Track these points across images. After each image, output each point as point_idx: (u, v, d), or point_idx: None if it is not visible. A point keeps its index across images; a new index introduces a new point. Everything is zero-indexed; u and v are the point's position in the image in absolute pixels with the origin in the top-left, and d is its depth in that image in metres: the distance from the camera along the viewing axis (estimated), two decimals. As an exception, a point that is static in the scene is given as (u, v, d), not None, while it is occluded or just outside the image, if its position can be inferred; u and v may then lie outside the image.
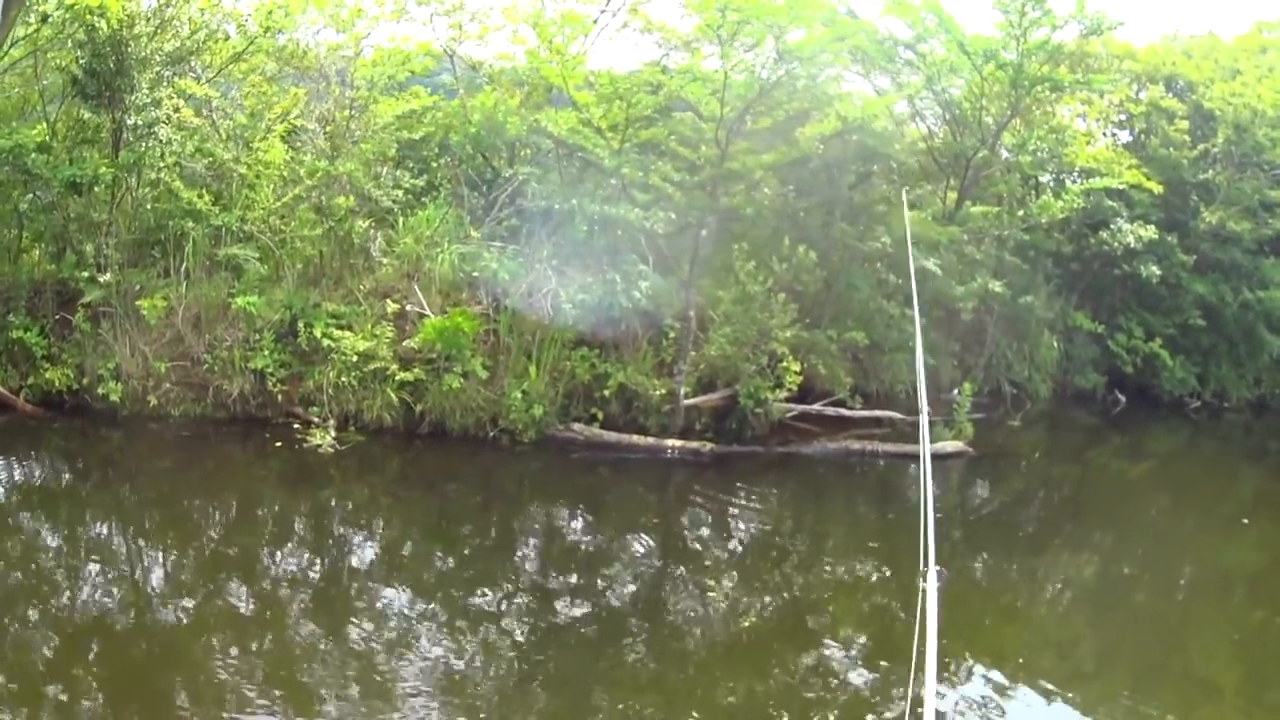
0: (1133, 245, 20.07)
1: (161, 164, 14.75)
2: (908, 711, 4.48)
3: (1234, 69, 22.05)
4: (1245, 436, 23.11)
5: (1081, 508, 16.27)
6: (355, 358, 14.33)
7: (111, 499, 12.59)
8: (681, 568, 11.83)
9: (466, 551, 11.87)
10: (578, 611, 10.24)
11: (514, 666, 8.76)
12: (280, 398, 14.59)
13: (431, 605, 9.91)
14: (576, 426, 14.99)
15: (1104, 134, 22.28)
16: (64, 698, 7.52)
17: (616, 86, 14.10)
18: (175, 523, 11.73)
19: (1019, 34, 16.89)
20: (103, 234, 14.83)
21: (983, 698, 8.64)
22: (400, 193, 15.83)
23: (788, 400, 15.92)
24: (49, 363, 14.33)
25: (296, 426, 14.32)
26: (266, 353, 14.46)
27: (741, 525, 13.61)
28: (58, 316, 14.68)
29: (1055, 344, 21.26)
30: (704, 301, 15.58)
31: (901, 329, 17.36)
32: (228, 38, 16.10)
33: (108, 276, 14.33)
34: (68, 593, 9.51)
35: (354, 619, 9.30)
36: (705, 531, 13.30)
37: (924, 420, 6.38)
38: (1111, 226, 20.45)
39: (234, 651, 8.44)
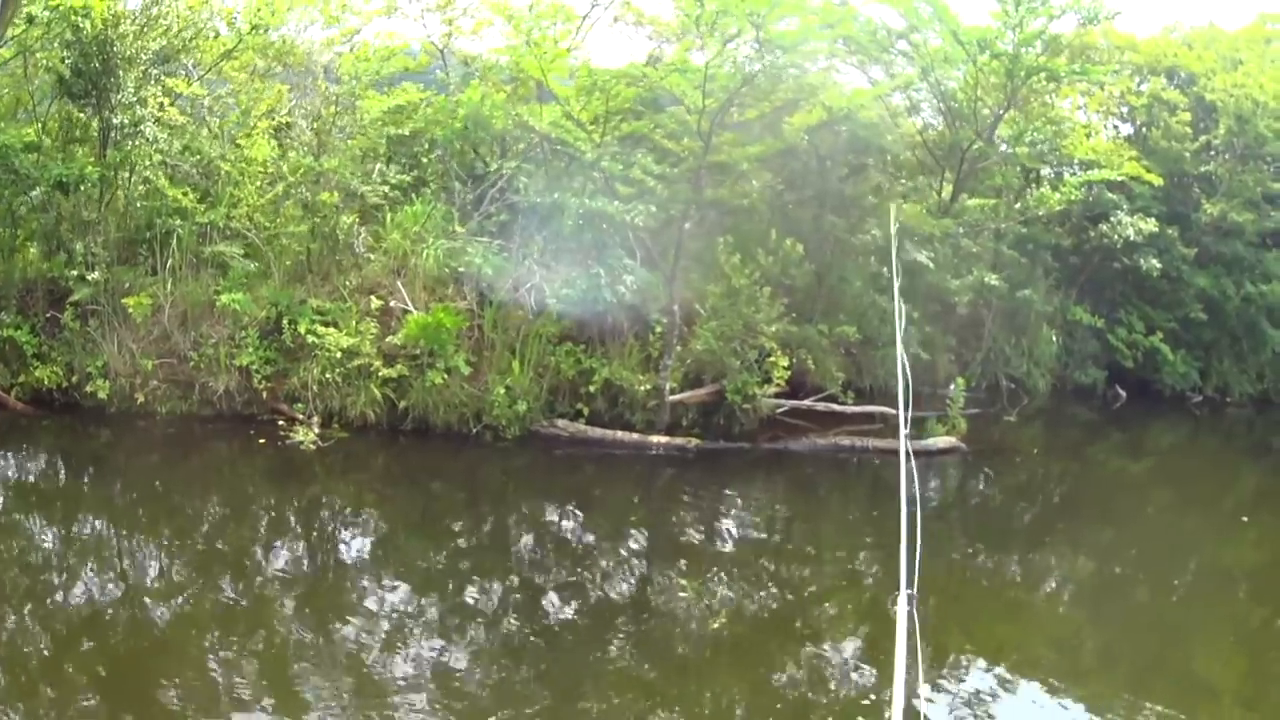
0: (1133, 238, 19.49)
1: (148, 162, 14.51)
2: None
3: (1235, 59, 21.45)
4: (1248, 432, 22.50)
5: (1078, 504, 15.76)
6: (339, 354, 14.05)
7: (100, 497, 12.37)
8: (664, 566, 11.51)
9: (451, 549, 11.61)
10: (562, 609, 9.97)
11: (500, 663, 8.57)
12: (265, 394, 14.36)
13: (417, 602, 9.70)
14: (560, 423, 14.61)
15: (1105, 126, 21.73)
16: (54, 693, 7.39)
17: (594, 79, 13.71)
18: (163, 520, 11.52)
19: (1015, 24, 16.39)
20: (92, 233, 14.61)
21: (980, 694, 8.48)
22: (387, 188, 15.49)
23: (778, 396, 15.49)
24: (39, 361, 14.17)
25: (281, 423, 14.04)
26: (251, 350, 14.24)
27: (726, 523, 13.21)
28: (49, 315, 14.55)
29: (1054, 338, 20.68)
30: (692, 296, 15.18)
31: (895, 323, 16.87)
32: (217, 35, 15.86)
33: (96, 275, 14.15)
34: (58, 588, 9.37)
35: (340, 616, 9.11)
36: (689, 530, 12.88)
37: (904, 442, 5.55)
38: (1111, 219, 19.87)
39: (222, 647, 8.30)
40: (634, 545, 12.18)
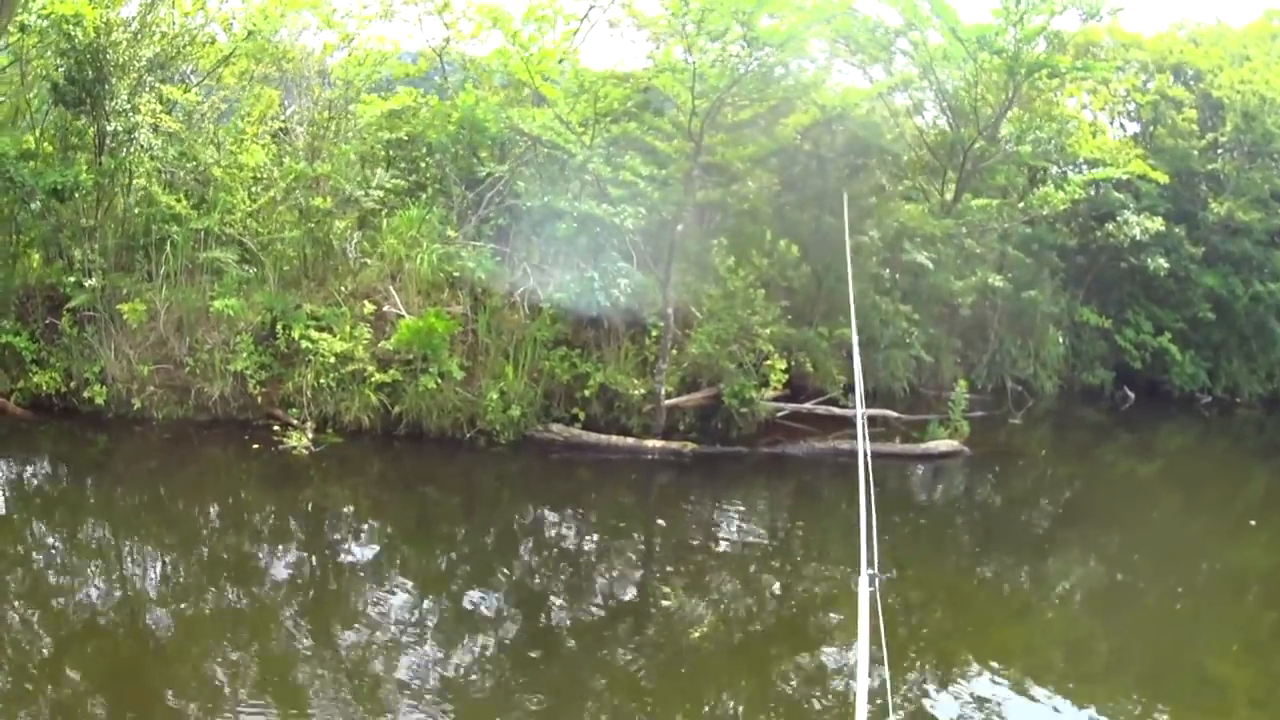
0: (1139, 237, 18.96)
1: (141, 169, 14.26)
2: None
3: (1243, 56, 20.85)
4: (1257, 433, 21.85)
5: (1084, 507, 15.29)
6: (333, 359, 13.73)
7: (97, 502, 12.18)
8: (659, 571, 11.26)
9: (447, 554, 11.35)
10: (558, 615, 9.75)
11: (496, 669, 8.39)
12: (260, 400, 14.04)
13: (413, 608, 9.49)
14: (555, 427, 14.22)
15: (1112, 125, 21.19)
16: (54, 696, 7.29)
17: (581, 80, 13.32)
18: (159, 526, 11.39)
19: (1016, 20, 15.91)
20: (90, 239, 14.40)
21: (988, 698, 8.27)
22: (381, 193, 15.16)
23: (778, 399, 15.09)
24: (38, 367, 13.96)
25: (276, 428, 13.72)
26: (246, 355, 13.94)
27: (720, 528, 12.84)
28: (48, 321, 14.36)
29: (1061, 340, 20.16)
30: (688, 299, 14.77)
31: (897, 325, 16.44)
32: (213, 41, 15.57)
33: (93, 281, 13.93)
34: (58, 592, 9.24)
35: (336, 621, 8.97)
36: (683, 535, 12.52)
37: (861, 417, 6.59)
38: (1118, 218, 19.33)
39: (220, 652, 8.19)
40: (629, 551, 11.87)
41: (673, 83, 13.30)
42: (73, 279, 14.02)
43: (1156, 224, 19.03)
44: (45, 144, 14.91)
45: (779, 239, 14.89)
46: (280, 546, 11.18)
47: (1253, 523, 14.97)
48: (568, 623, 9.55)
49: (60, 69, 14.05)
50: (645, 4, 17.67)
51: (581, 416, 14.41)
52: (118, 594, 9.38)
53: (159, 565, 10.28)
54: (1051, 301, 19.60)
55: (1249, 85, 20.33)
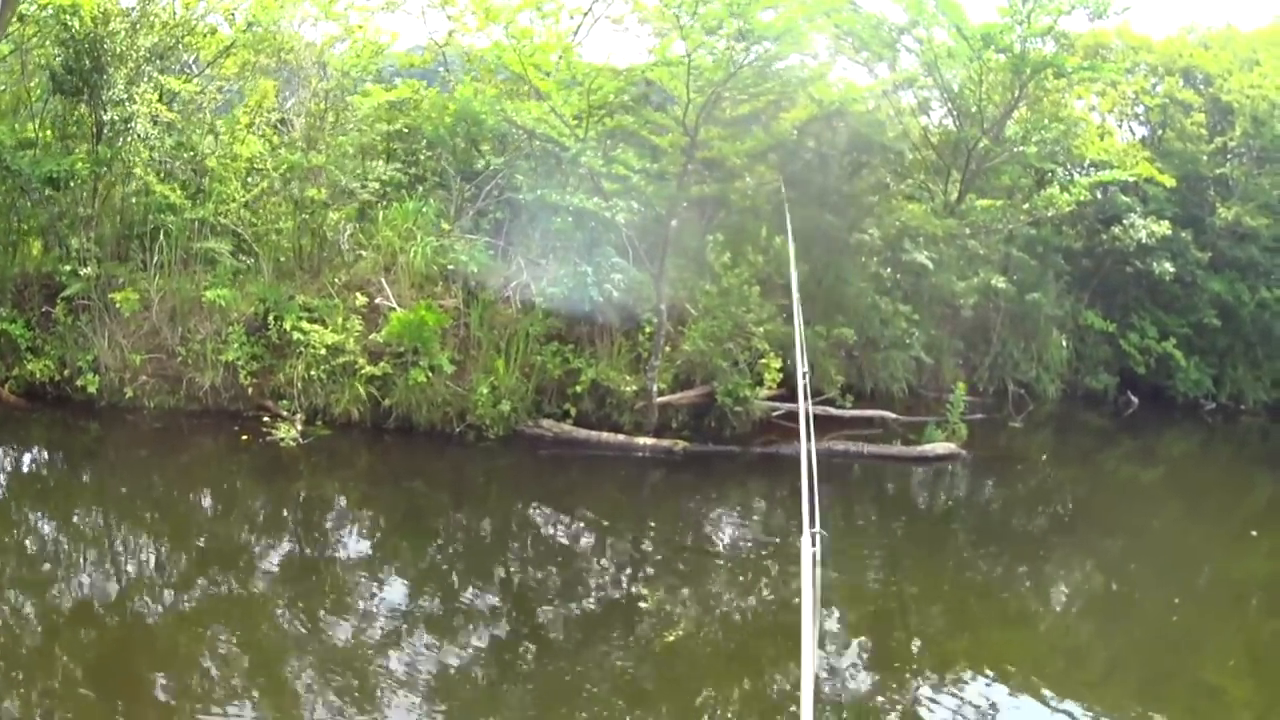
0: (1145, 241, 18.39)
1: (137, 159, 13.96)
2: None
3: (1253, 60, 20.23)
4: (1262, 441, 21.12)
5: (1083, 513, 14.74)
6: (324, 351, 13.39)
7: (87, 491, 11.97)
8: (648, 570, 10.96)
9: (435, 549, 11.03)
10: (546, 611, 9.48)
11: (483, 663, 8.16)
12: (251, 390, 13.72)
13: (399, 602, 9.22)
14: (545, 423, 13.78)
15: (1120, 128, 20.61)
16: (43, 682, 7.19)
17: (574, 72, 12.90)
18: (150, 515, 11.18)
19: (1022, 19, 15.41)
20: (87, 228, 14.15)
21: (985, 702, 8.04)
22: (377, 184, 14.79)
23: (774, 398, 14.61)
24: (33, 354, 13.73)
25: (266, 420, 13.39)
26: (237, 345, 13.63)
27: (711, 528, 12.43)
28: (44, 309, 14.08)
29: (1065, 343, 19.59)
30: (683, 296, 14.34)
31: (896, 325, 15.96)
32: (214, 31, 15.27)
33: (89, 270, 13.66)
34: (46, 579, 9.05)
35: (323, 613, 8.77)
36: (674, 534, 12.15)
37: (802, 381, 6.45)
38: (1124, 222, 18.76)
39: (207, 641, 8.04)
40: (618, 549, 11.51)
41: (668, 76, 12.87)
42: (69, 267, 13.77)
43: (1163, 228, 18.47)
44: (45, 133, 14.64)
45: (775, 235, 14.40)
46: (269, 538, 10.90)
47: (1254, 533, 14.47)
48: (556, 619, 9.30)
49: (58, 58, 13.77)
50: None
51: (573, 412, 13.97)
52: (106, 583, 9.18)
53: (148, 554, 10.09)
54: (1055, 304, 19.05)
55: (1259, 90, 19.74)
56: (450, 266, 14.13)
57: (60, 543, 10.24)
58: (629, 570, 10.94)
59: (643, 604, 9.85)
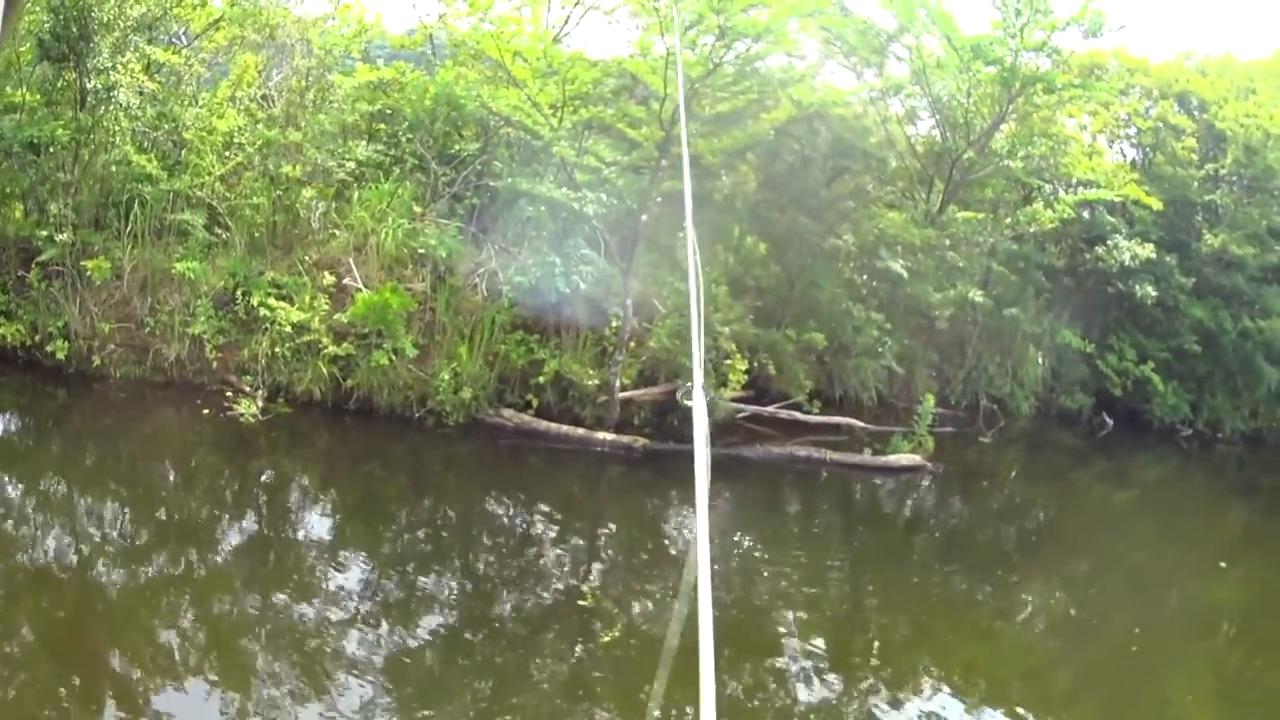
0: (1129, 263, 17.98)
1: (116, 127, 13.71)
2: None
3: (1249, 89, 19.78)
4: (1237, 470, 20.63)
5: (1049, 532, 14.47)
6: (289, 329, 13.11)
7: (50, 458, 11.71)
8: (599, 565, 10.79)
9: (390, 533, 10.81)
10: (498, 600, 9.38)
11: (434, 648, 8.10)
12: (216, 364, 13.44)
13: (354, 583, 9.10)
14: (506, 412, 13.47)
15: (1110, 148, 20.21)
16: (3, 647, 7.16)
17: (550, 61, 12.61)
18: (110, 485, 11.05)
19: (1015, 33, 15.09)
20: (66, 194, 13.86)
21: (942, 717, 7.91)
22: (353, 164, 14.52)
23: (743, 400, 14.34)
24: (5, 318, 13.41)
25: (229, 394, 13.15)
26: (204, 319, 13.34)
27: (665, 527, 12.16)
28: (19, 274, 13.77)
29: (1041, 361, 19.17)
30: (655, 292, 14.04)
31: (868, 333, 15.64)
32: (204, 3, 15.04)
33: (64, 236, 13.37)
34: (9, 544, 8.95)
35: (276, 591, 8.65)
36: (628, 531, 11.88)
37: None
38: (1108, 242, 18.37)
39: (162, 614, 7.99)
40: (571, 542, 11.31)
41: (646, 69, 12.58)
42: (45, 233, 13.45)
43: (1147, 251, 18.08)
44: (31, 98, 14.37)
45: (747, 236, 14.09)
46: (225, 514, 10.68)
47: (1223, 564, 14.03)
48: (508, 609, 9.17)
49: (47, 24, 13.48)
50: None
51: (535, 403, 13.67)
52: (63, 551, 9.05)
53: (106, 524, 9.94)
54: (1034, 321, 18.64)
55: (1253, 119, 19.32)
56: (420, 250, 13.85)
57: (20, 509, 10.06)
58: (582, 564, 10.68)
59: (594, 598, 9.63)
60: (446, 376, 13.08)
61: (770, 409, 14.66)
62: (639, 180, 13.38)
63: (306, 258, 13.91)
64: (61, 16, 13.25)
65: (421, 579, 9.56)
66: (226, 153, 14.17)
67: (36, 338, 13.48)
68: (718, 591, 10.28)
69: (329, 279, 13.52)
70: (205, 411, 12.86)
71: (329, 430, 13.27)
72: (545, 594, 9.63)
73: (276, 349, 13.17)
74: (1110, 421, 19.81)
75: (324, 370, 13.16)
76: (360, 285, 13.37)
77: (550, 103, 12.86)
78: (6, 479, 10.86)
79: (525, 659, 8.12)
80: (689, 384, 4.41)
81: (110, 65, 13.50)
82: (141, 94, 14.07)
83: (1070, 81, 16.26)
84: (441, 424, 13.23)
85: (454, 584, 9.60)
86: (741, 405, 14.27)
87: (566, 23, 15.86)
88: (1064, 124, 18.23)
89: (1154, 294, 18.64)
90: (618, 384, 13.46)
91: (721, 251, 14.00)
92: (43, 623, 7.65)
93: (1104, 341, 19.61)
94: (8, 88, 14.46)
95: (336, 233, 14.24)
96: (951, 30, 15.37)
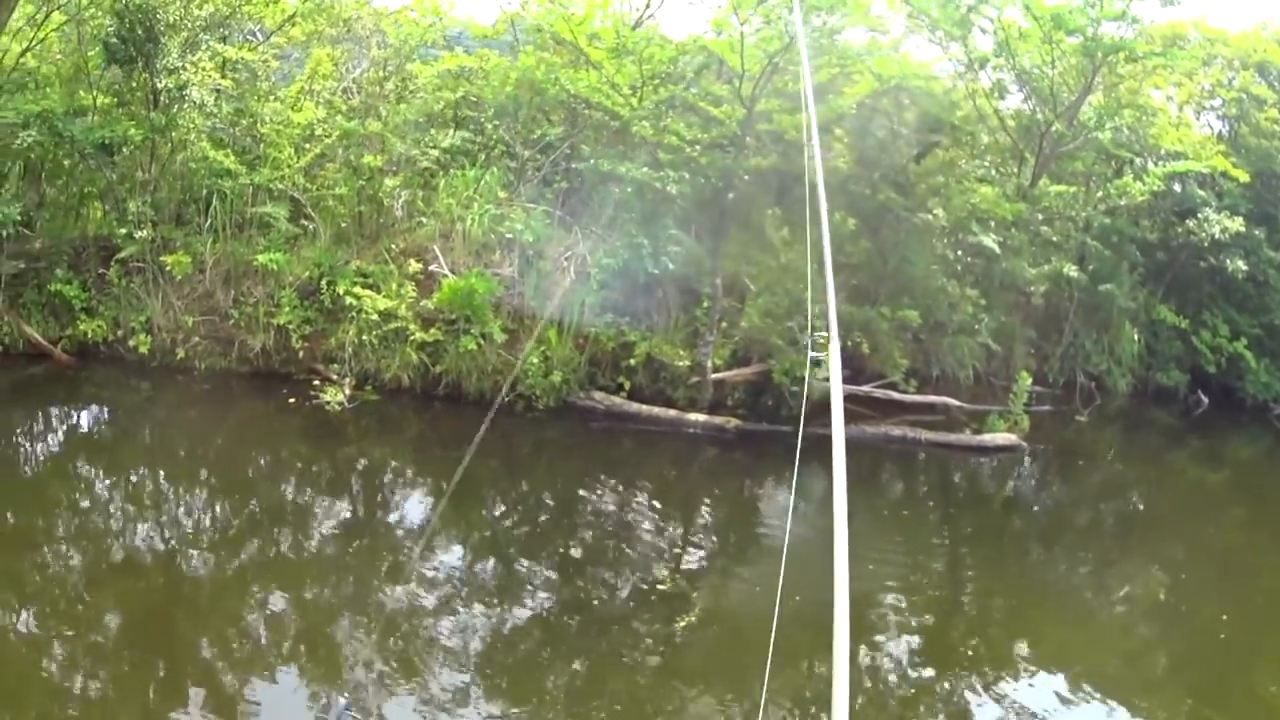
0: (1219, 237, 17.13)
1: (191, 125, 13.50)
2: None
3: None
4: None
5: (1141, 515, 13.65)
6: (376, 316, 12.76)
7: (138, 449, 11.61)
8: (690, 549, 10.30)
9: (482, 518, 10.45)
10: (595, 585, 8.98)
11: (529, 634, 7.76)
12: (302, 354, 13.19)
13: (448, 568, 8.82)
14: (597, 395, 12.96)
15: (1197, 119, 19.32)
16: (87, 635, 6.97)
17: (623, 41, 12.14)
18: (198, 474, 10.80)
19: (1094, 2, 14.40)
20: (145, 192, 13.73)
21: (1040, 701, 7.40)
22: (437, 152, 14.12)
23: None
24: (87, 315, 13.42)
25: (316, 383, 12.79)
26: (289, 309, 13.06)
27: (756, 508, 11.57)
28: (100, 271, 13.71)
29: (1137, 337, 18.31)
30: (746, 270, 13.47)
31: (964, 310, 14.95)
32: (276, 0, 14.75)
33: (144, 233, 13.21)
34: (95, 535, 8.87)
35: (369, 577, 8.45)
36: (721, 514, 11.33)
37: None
38: (1199, 216, 17.53)
39: (251, 600, 7.83)
40: (660, 525, 10.76)
41: (725, 47, 12.07)
42: (125, 230, 13.33)
43: (1236, 224, 17.20)
44: (103, 100, 14.20)
45: (836, 211, 13.44)
46: (315, 501, 10.48)
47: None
48: (601, 592, 8.79)
49: (111, 28, 13.39)
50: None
51: (628, 386, 13.14)
52: (153, 541, 8.90)
53: (195, 513, 9.79)
54: (1129, 297, 17.80)
55: (1331, 88, 18.42)
56: (508, 235, 13.42)
57: (109, 499, 9.90)
58: (676, 548, 10.19)
59: (689, 583, 9.19)
60: (536, 360, 12.59)
61: (866, 388, 14.01)
62: (724, 158, 12.81)
63: (393, 246, 13.58)
64: (126, 20, 13.13)
65: (515, 564, 9.20)
66: (306, 145, 13.86)
67: (119, 332, 13.44)
68: (816, 572, 9.69)
69: (415, 266, 13.13)
70: (291, 401, 12.64)
71: (418, 416, 12.94)
72: (639, 579, 9.17)
73: (363, 337, 12.85)
74: (1205, 399, 18.86)
75: (412, 356, 12.81)
76: (447, 271, 12.93)
77: (629, 83, 12.38)
78: (95, 470, 10.71)
79: (619, 644, 7.78)
80: (819, 334, 4.13)
81: (180, 65, 13.33)
82: (218, 92, 13.81)
83: (1152, 50, 15.54)
84: (531, 407, 12.76)
85: (547, 568, 9.18)
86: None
87: (649, 5, 15.31)
88: (1150, 95, 17.43)
89: (1244, 268, 17.76)
90: (709, 364, 12.90)
91: (811, 229, 13.32)
92: (134, 610, 7.49)
93: (1198, 317, 18.69)
94: (80, 91, 14.29)
95: (423, 220, 13.88)
96: (1031, 0, 14.70)
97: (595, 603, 8.53)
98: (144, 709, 6.23)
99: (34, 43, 14.23)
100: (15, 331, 13.15)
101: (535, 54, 14.09)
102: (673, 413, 12.89)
